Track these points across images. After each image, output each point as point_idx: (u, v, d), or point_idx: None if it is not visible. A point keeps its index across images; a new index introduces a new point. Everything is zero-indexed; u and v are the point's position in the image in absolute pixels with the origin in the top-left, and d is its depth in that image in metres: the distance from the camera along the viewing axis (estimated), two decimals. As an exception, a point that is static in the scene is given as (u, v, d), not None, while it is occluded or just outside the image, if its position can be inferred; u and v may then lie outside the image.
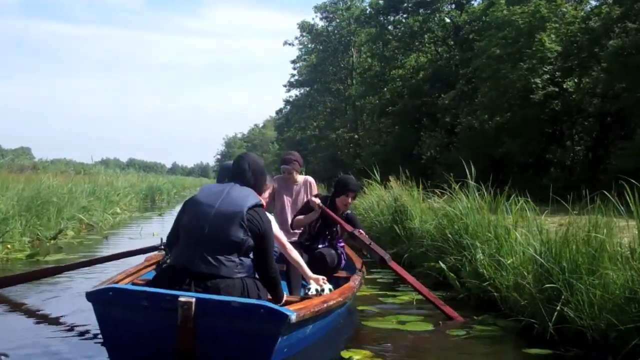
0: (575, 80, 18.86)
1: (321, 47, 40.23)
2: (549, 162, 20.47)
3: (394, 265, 5.78)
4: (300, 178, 6.79)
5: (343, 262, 6.00)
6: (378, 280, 7.85)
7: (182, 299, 3.19)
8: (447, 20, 29.77)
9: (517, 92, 19.57)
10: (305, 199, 6.46)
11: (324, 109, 42.78)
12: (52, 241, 12.16)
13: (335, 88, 41.20)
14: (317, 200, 5.73)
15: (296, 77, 46.59)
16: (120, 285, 3.91)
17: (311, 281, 4.68)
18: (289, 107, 49.20)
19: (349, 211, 6.04)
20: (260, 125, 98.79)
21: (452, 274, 6.57)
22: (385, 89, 30.62)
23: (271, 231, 3.87)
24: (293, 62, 47.14)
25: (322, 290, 4.44)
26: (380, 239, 9.79)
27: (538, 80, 18.62)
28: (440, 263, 6.76)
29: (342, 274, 5.87)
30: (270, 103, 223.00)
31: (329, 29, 39.99)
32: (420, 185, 9.61)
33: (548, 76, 18.85)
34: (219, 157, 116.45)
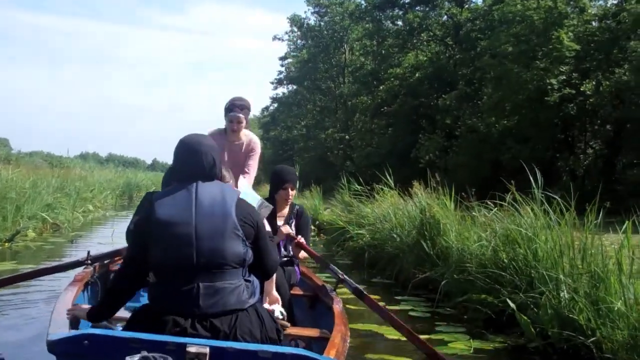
0: (594, 82, 17.35)
1: (312, 43, 38.62)
2: (559, 170, 19.02)
3: (370, 301, 4.36)
4: (245, 135, 5.39)
5: (298, 276, 5.02)
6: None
7: (191, 348, 2.36)
8: (446, 18, 28.35)
9: (529, 93, 18.09)
10: (243, 162, 5.41)
11: (313, 108, 41.19)
12: (6, 244, 10.42)
13: (325, 86, 39.63)
14: (289, 230, 4.72)
15: (284, 74, 44.93)
16: (99, 330, 2.81)
17: (275, 304, 4.10)
18: (275, 104, 47.51)
19: (297, 206, 5.05)
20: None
21: (524, 317, 4.93)
22: (380, 87, 29.05)
23: (260, 216, 3.09)
24: (281, 58, 45.55)
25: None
26: (399, 256, 8.17)
27: (554, 81, 17.13)
28: (509, 302, 5.13)
29: (297, 290, 4.93)
30: (256, 101, 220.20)
31: (321, 24, 38.41)
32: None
33: (564, 77, 17.36)
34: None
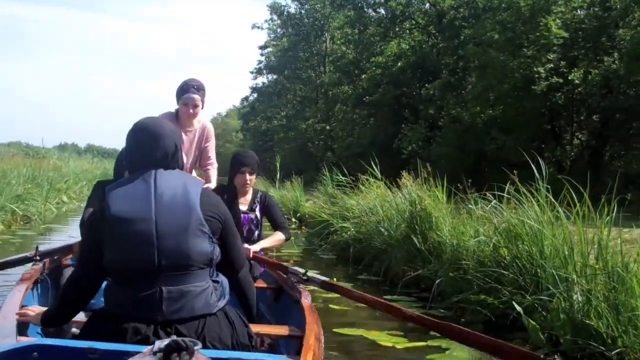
0: (582, 71, 16.96)
1: (292, 31, 38.02)
2: (545, 161, 18.67)
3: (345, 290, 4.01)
4: (198, 122, 5.03)
5: (261, 268, 4.66)
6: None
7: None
8: (429, 6, 27.91)
9: (515, 82, 17.69)
10: (195, 153, 5.13)
11: (294, 98, 40.62)
12: (-31, 238, 9.83)
13: (306, 75, 39.08)
14: (254, 248, 4.38)
15: (264, 63, 44.31)
16: (51, 340, 2.51)
17: None
18: (255, 94, 46.87)
19: (261, 192, 4.74)
20: (224, 114, 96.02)
21: (532, 321, 4.45)
22: (362, 77, 28.58)
23: (227, 210, 2.71)
24: (261, 47, 44.90)
25: None
26: (387, 252, 7.68)
27: (541, 70, 16.72)
28: (514, 304, 4.63)
29: (260, 283, 4.50)
30: (235, 92, 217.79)
31: (302, 12, 37.82)
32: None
33: (552, 65, 16.95)
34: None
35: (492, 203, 5.89)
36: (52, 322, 2.72)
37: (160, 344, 2.00)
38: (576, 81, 16.66)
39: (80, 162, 34.80)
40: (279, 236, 4.58)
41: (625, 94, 15.62)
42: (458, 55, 23.67)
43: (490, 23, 19.13)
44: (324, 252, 9.96)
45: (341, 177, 10.78)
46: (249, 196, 4.59)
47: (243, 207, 4.54)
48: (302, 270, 4.05)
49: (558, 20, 16.85)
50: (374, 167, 9.47)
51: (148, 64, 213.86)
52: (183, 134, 4.93)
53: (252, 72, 45.65)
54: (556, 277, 4.46)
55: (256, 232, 4.59)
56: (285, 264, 4.49)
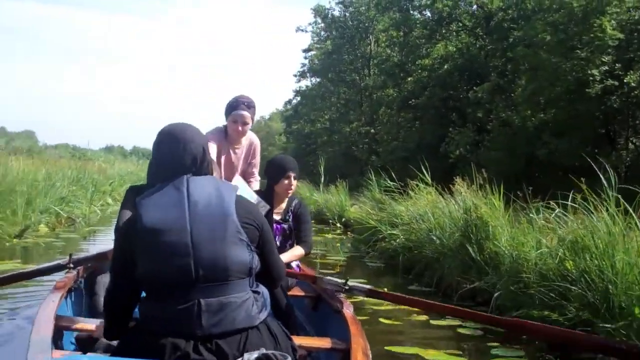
0: (639, 73, 16.30)
1: (336, 34, 37.70)
2: (599, 166, 18.00)
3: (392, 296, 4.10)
4: (245, 138, 4.94)
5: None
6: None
7: None
8: (476, 8, 27.35)
9: (568, 85, 17.09)
10: (242, 169, 5.01)
11: (337, 101, 40.26)
12: (14, 240, 9.78)
13: (350, 78, 38.66)
14: None
15: (308, 67, 44.08)
16: (83, 357, 2.57)
17: None
18: (298, 98, 46.64)
19: (296, 199, 4.52)
20: (267, 117, 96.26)
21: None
22: (407, 79, 28.15)
23: (264, 217, 2.64)
24: (305, 50, 44.65)
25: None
26: (439, 261, 7.34)
27: (596, 72, 16.11)
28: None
29: (296, 291, 4.42)
30: (279, 95, 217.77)
31: (346, 14, 37.49)
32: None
33: (606, 68, 16.33)
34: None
35: (555, 212, 5.53)
36: (112, 336, 2.60)
37: (250, 356, 2.05)
38: (632, 84, 16.00)
39: (125, 165, 35.14)
40: (298, 251, 4.34)
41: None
42: (507, 58, 23.10)
43: (541, 24, 18.55)
44: (371, 259, 9.65)
45: (389, 181, 10.44)
46: (284, 205, 4.42)
47: (276, 216, 4.37)
48: (339, 281, 3.90)
49: (613, 21, 16.23)
50: (424, 171, 9.11)
51: (198, 66, 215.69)
52: (231, 151, 4.82)
53: (295, 75, 45.50)
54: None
55: (288, 244, 4.41)
56: (319, 275, 4.32)
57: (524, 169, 19.83)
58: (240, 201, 2.50)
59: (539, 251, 5.48)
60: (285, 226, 4.38)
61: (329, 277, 4.08)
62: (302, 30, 42.06)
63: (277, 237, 4.33)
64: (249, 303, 2.39)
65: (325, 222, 16.17)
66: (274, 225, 4.32)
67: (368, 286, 4.04)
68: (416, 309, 5.61)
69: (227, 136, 4.76)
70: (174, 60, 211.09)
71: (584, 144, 17.75)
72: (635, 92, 16.17)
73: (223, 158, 4.76)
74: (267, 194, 4.39)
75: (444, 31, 28.44)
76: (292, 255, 4.29)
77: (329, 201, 17.45)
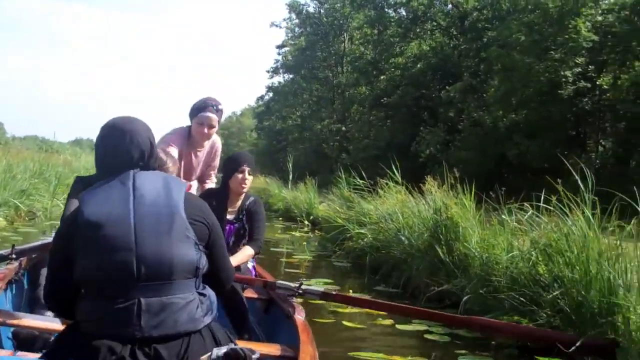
0: (612, 75, 16.30)
1: (311, 30, 37.44)
2: (569, 168, 17.96)
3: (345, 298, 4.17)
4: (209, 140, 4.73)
5: (253, 276, 4.28)
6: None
7: None
8: (451, 7, 27.30)
9: (541, 86, 17.06)
10: (201, 171, 4.82)
11: (310, 98, 40.04)
12: (-34, 234, 9.36)
13: (323, 75, 38.48)
14: None
15: (281, 63, 43.78)
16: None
17: None
18: (270, 94, 46.33)
19: (252, 197, 4.27)
20: (238, 113, 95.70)
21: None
22: (381, 77, 28.00)
23: (214, 216, 2.46)
24: (279, 47, 44.35)
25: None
26: (407, 262, 7.10)
27: (569, 74, 16.09)
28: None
29: (250, 293, 4.20)
30: (251, 91, 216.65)
31: (321, 11, 37.25)
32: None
33: (580, 69, 16.31)
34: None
35: (528, 214, 5.30)
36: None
37: (218, 351, 2.02)
38: (605, 86, 16.00)
39: (92, 157, 34.46)
40: (247, 252, 4.05)
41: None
42: (480, 58, 23.09)
43: (516, 25, 18.52)
44: (338, 259, 9.37)
45: (358, 180, 10.18)
46: (238, 203, 4.16)
47: (230, 215, 4.12)
48: (293, 285, 3.77)
49: (588, 23, 16.21)
50: (394, 170, 8.87)
51: (164, 57, 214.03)
52: (192, 154, 4.58)
53: (268, 71, 45.16)
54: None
55: (242, 245, 4.13)
56: (271, 280, 4.07)
57: (494, 169, 19.80)
58: (190, 198, 2.37)
59: (510, 254, 5.26)
60: (239, 226, 4.13)
61: (281, 281, 3.89)
62: (277, 26, 41.77)
63: (230, 237, 4.09)
64: (193, 305, 2.25)
65: (293, 220, 15.90)
66: (227, 225, 4.09)
67: (321, 289, 3.89)
68: (382, 312, 5.40)
69: (189, 138, 4.52)
70: (174, 60, 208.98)
71: (554, 146, 17.74)
72: (607, 95, 16.14)
73: (183, 161, 4.49)
74: (222, 190, 4.17)
75: (418, 30, 28.38)
76: (242, 256, 4.01)
77: (298, 198, 17.15)
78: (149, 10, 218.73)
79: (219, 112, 4.48)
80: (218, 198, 4.08)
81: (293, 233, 13.41)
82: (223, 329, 2.42)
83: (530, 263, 4.88)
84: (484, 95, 21.74)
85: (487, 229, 6.00)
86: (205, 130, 4.43)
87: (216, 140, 4.83)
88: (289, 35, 43.68)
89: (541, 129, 17.74)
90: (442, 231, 6.45)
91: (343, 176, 11.56)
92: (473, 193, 6.63)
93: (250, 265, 4.27)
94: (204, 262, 2.31)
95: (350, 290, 6.50)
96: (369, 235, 8.65)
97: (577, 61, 16.29)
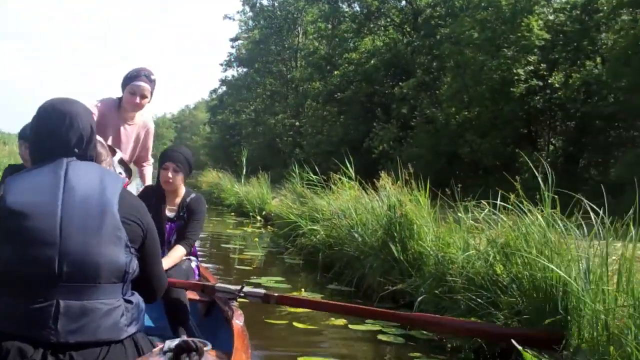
0: (563, 74, 16.45)
1: (264, 24, 37.07)
2: (520, 166, 18.07)
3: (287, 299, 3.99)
4: (140, 115, 4.52)
5: (196, 277, 4.12)
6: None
7: None
8: (404, 4, 27.29)
9: (493, 84, 17.12)
10: (134, 151, 4.60)
11: (263, 92, 39.70)
12: None
13: (277, 69, 38.17)
14: None
15: (235, 56, 43.32)
16: None
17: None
18: (224, 87, 45.78)
19: (194, 194, 4.11)
20: (192, 106, 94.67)
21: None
22: (334, 73, 27.84)
23: (150, 218, 2.27)
24: (232, 39, 43.85)
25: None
26: (360, 260, 6.93)
27: (521, 72, 16.17)
28: (515, 343, 3.90)
29: (192, 294, 3.99)
30: (206, 84, 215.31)
31: (275, 4, 36.91)
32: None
33: (532, 68, 16.41)
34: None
35: (484, 211, 5.18)
36: None
37: (171, 343, 1.94)
38: (556, 85, 16.13)
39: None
40: (178, 252, 3.84)
41: (605, 99, 15.08)
42: (433, 55, 23.13)
43: (469, 22, 18.53)
44: (291, 256, 9.17)
45: (311, 175, 9.99)
46: (178, 200, 3.99)
47: (171, 213, 3.96)
48: (234, 287, 3.62)
49: (540, 21, 16.31)
50: (348, 165, 8.70)
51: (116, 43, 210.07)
52: (122, 127, 4.34)
53: (222, 65, 44.62)
54: (577, 305, 3.76)
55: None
56: (212, 282, 3.96)
57: (446, 166, 19.82)
58: (126, 195, 2.20)
59: (466, 253, 5.13)
60: (180, 224, 3.95)
61: (221, 284, 3.73)
62: (230, 18, 41.26)
63: (171, 236, 3.92)
64: (118, 313, 2.08)
65: (245, 215, 15.63)
66: (168, 223, 3.92)
67: (263, 291, 3.74)
68: (336, 312, 5.23)
69: (119, 109, 4.31)
70: (174, 60, 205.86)
71: (506, 143, 17.86)
72: (559, 93, 16.27)
73: (110, 135, 4.26)
74: (159, 187, 4.01)
75: (372, 25, 28.30)
76: (174, 258, 3.79)
77: (250, 193, 16.89)
78: (149, 10, 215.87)
79: (152, 82, 4.29)
80: (157, 195, 3.94)
81: (245, 229, 13.16)
82: (148, 339, 2.27)
83: (488, 263, 4.75)
84: (437, 92, 21.77)
85: (442, 226, 5.87)
86: (137, 100, 4.23)
87: (149, 121, 4.68)
88: (243, 28, 43.29)
89: (493, 127, 17.82)
90: (396, 229, 6.30)
91: (297, 170, 11.35)
92: (428, 189, 6.50)
93: (193, 264, 4.08)
94: (134, 267, 2.14)
95: (303, 290, 6.33)
96: (322, 232, 8.48)
97: (529, 59, 16.38)
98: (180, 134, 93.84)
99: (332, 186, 9.15)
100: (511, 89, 16.30)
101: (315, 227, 8.68)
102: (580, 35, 16.64)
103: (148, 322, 3.84)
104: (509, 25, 16.79)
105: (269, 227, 12.96)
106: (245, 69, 42.59)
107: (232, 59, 43.73)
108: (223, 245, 10.44)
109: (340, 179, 8.99)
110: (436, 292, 5.20)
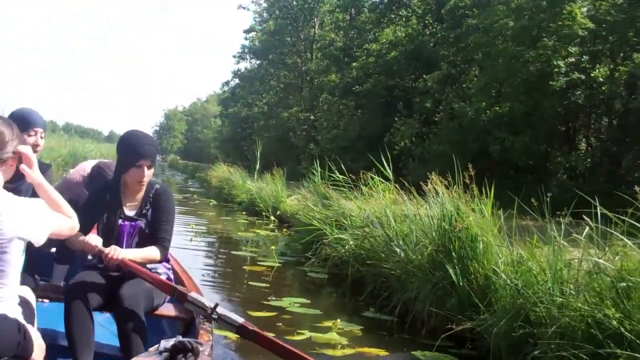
0: (607, 67, 15.04)
1: (280, 14, 35.68)
2: (555, 166, 16.68)
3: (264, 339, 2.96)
4: None
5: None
6: None
7: None
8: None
9: (529, 76, 15.74)
10: None
11: (277, 84, 38.34)
12: None
13: (291, 61, 36.78)
14: (125, 253, 3.14)
15: (248, 47, 41.94)
16: None
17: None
18: (236, 80, 44.41)
19: (157, 185, 3.48)
20: (204, 99, 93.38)
21: None
22: (353, 64, 26.46)
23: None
24: (246, 31, 42.47)
25: None
26: (401, 280, 5.62)
27: (561, 64, 14.78)
28: None
29: (168, 311, 3.38)
30: (219, 77, 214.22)
31: (291, -7, 35.56)
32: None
33: (573, 59, 15.03)
34: (157, 128, 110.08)
35: (586, 230, 3.87)
36: None
37: (166, 343, 2.09)
38: (600, 78, 14.72)
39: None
40: (152, 253, 3.27)
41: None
42: (459, 47, 21.74)
43: (502, 10, 17.15)
44: (312, 267, 7.85)
45: (337, 174, 8.66)
46: (140, 195, 3.41)
47: (130, 211, 3.38)
48: (208, 304, 3.05)
49: (584, 9, 14.92)
50: (385, 164, 7.36)
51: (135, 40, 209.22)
52: None
53: (234, 57, 43.26)
54: None
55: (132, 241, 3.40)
56: (185, 289, 3.21)
57: (472, 165, 18.44)
58: None
59: (558, 284, 3.84)
60: (143, 223, 3.35)
61: (195, 295, 3.09)
62: (244, 8, 39.89)
63: (132, 239, 3.32)
64: None
65: (257, 214, 14.34)
66: (127, 223, 3.34)
67: (240, 320, 2.97)
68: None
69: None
70: (173, 59, 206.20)
71: (540, 142, 16.52)
72: (602, 88, 14.88)
73: None
74: (115, 182, 3.40)
75: (392, 16, 26.93)
76: (147, 256, 3.23)
77: (263, 190, 15.57)
78: (149, 10, 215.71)
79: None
80: (112, 192, 3.37)
81: (258, 231, 11.87)
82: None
83: (592, 301, 3.45)
84: (464, 85, 20.42)
85: (519, 245, 4.55)
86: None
87: None
88: (257, 19, 41.95)
89: (527, 123, 16.45)
90: (454, 246, 4.99)
91: (318, 167, 10.04)
92: (492, 195, 5.19)
93: (164, 276, 3.37)
94: None
95: (339, 320, 5.01)
96: (351, 242, 7.17)
97: (570, 50, 15.00)
98: (191, 127, 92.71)
99: (362, 187, 7.87)
100: (550, 83, 14.92)
101: (342, 236, 7.36)
102: (624, 25, 15.23)
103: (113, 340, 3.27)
104: (549, 13, 15.39)
105: (284, 229, 11.67)
106: (258, 61, 41.23)
107: (246, 51, 42.37)
108: (233, 252, 9.15)
109: (372, 177, 7.69)
110: (514, 334, 3.93)
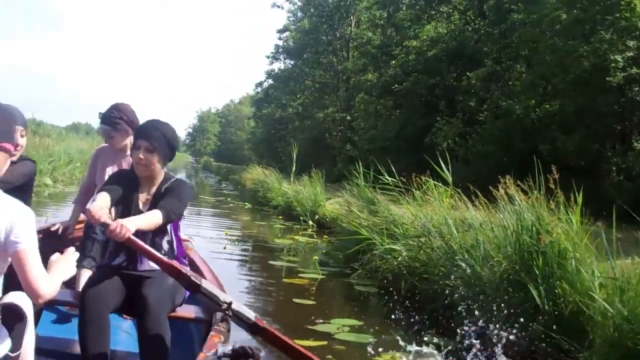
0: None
1: (315, 12, 34.98)
2: (609, 167, 15.68)
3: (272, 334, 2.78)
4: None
5: (186, 292, 3.12)
6: None
7: None
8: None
9: (583, 72, 14.78)
10: None
11: (312, 84, 37.62)
12: None
13: (327, 60, 36.02)
14: (101, 215, 2.81)
15: (282, 47, 41.31)
16: None
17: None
18: (270, 80, 43.78)
19: (173, 179, 3.28)
20: (237, 101, 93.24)
21: None
22: (392, 63, 25.63)
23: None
24: (280, 31, 41.84)
25: None
26: (469, 299, 4.84)
27: (619, 58, 13.81)
28: None
29: (185, 311, 3.19)
30: (252, 79, 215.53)
31: (326, -9, 34.85)
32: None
33: (631, 54, 14.06)
34: (190, 130, 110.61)
35: None
36: None
37: (224, 348, 2.10)
38: (661, 74, 13.73)
39: (75, 142, 31.89)
40: (154, 216, 2.99)
41: None
42: (503, 43, 20.80)
43: (552, 3, 16.23)
44: (359, 279, 7.11)
45: (387, 176, 7.88)
46: (154, 189, 3.28)
47: (144, 206, 3.24)
48: (222, 298, 2.82)
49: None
50: (445, 168, 6.59)
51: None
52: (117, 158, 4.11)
53: (268, 57, 42.60)
54: None
55: (165, 241, 3.21)
56: (196, 277, 2.88)
57: (519, 166, 17.55)
58: None
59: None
60: None
61: (209, 285, 2.85)
62: (278, 7, 39.24)
63: (146, 234, 3.06)
64: None
65: (294, 219, 13.65)
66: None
67: (253, 315, 2.80)
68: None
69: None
70: (174, 59, 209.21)
71: (593, 141, 15.56)
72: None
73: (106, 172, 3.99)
74: (132, 172, 3.29)
75: (433, 12, 26.07)
76: (148, 221, 2.95)
77: (300, 194, 14.89)
78: (149, 9, 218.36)
79: (116, 124, 4.03)
80: (129, 182, 3.24)
81: (296, 237, 11.14)
82: None
83: None
84: (510, 83, 19.48)
85: (622, 263, 3.77)
86: (109, 142, 4.07)
87: None
88: (291, 19, 41.33)
89: (579, 122, 15.51)
90: (537, 263, 4.21)
91: (361, 170, 9.31)
92: (581, 202, 4.40)
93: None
94: None
95: (397, 354, 4.26)
96: (404, 253, 6.41)
97: (628, 44, 14.03)
98: (225, 129, 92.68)
99: (415, 191, 7.11)
100: (606, 79, 13.96)
101: (395, 247, 6.59)
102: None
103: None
104: (604, 4, 14.43)
105: (324, 235, 10.95)
106: (292, 61, 40.57)
107: (279, 51, 41.74)
108: (270, 262, 8.43)
109: (427, 181, 6.93)
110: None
